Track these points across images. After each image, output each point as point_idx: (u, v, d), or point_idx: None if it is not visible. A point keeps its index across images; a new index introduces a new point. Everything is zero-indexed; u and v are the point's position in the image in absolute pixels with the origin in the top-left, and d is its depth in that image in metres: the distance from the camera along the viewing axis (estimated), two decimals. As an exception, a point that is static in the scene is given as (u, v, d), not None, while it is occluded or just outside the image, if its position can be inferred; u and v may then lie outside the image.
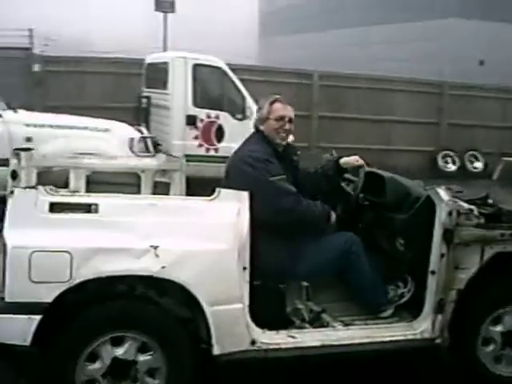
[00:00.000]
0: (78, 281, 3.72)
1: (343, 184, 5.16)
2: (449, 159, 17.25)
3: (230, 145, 11.45)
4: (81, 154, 6.35)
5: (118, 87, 14.15)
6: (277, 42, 33.70)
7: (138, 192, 5.65)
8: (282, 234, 4.45)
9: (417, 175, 15.79)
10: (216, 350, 4.02)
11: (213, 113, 11.82)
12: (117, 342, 3.90)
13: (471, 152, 17.36)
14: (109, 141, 8.92)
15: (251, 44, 35.91)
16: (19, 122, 9.07)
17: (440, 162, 17.12)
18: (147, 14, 19.03)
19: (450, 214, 4.43)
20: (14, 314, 3.69)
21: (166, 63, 12.18)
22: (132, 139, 9.29)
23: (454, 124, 17.36)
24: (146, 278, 3.88)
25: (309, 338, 4.37)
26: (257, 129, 4.74)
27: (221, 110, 11.89)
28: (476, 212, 4.58)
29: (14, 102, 10.23)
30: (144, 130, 10.57)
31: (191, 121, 11.63)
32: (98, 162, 5.95)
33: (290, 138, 4.95)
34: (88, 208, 3.85)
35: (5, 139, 8.55)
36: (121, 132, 9.41)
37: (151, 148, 9.81)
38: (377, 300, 4.76)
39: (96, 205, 3.86)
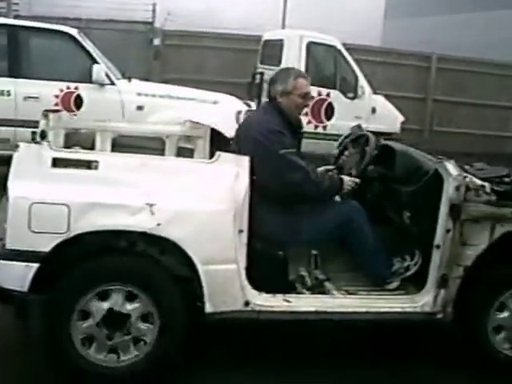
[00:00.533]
0: (74, 233, 3.84)
1: (355, 156, 5.15)
2: None
3: (339, 123, 11.63)
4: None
5: (235, 63, 14.40)
6: (402, 24, 33.11)
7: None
8: (284, 202, 4.50)
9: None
10: (208, 308, 4.09)
11: (324, 91, 11.92)
12: (105, 297, 4.00)
13: None
14: (216, 112, 9.08)
15: (376, 25, 35.46)
16: (132, 91, 9.36)
17: (559, 150, 16.40)
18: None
19: (457, 188, 4.35)
20: (13, 260, 3.84)
21: (281, 40, 12.34)
22: (239, 112, 9.44)
23: None
24: (145, 235, 3.95)
25: (304, 303, 4.41)
26: (273, 99, 4.69)
27: (332, 89, 11.98)
28: (488, 189, 4.47)
29: (134, 73, 10.63)
30: (252, 104, 10.74)
31: (302, 97, 11.70)
32: (123, 125, 6.10)
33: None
34: (89, 164, 3.96)
35: (118, 107, 8.87)
36: (229, 105, 9.57)
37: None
38: (381, 271, 4.76)
39: (96, 162, 3.96)
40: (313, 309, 4.37)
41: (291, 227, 4.52)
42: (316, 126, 11.76)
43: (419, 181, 4.63)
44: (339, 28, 15.71)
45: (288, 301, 4.35)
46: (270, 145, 4.40)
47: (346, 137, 5.49)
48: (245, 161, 4.17)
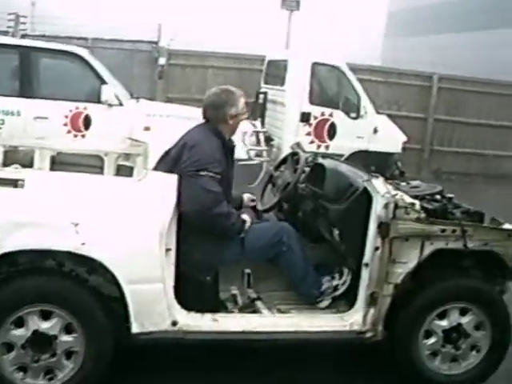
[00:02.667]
0: (0, 252, 3.82)
1: (287, 173, 5.16)
2: None
3: (341, 142, 11.80)
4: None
5: (239, 83, 14.36)
6: (402, 43, 33.38)
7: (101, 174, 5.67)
8: (201, 232, 4.40)
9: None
10: (135, 328, 4.05)
11: (327, 111, 12.09)
12: (45, 316, 3.99)
13: None
14: (222, 133, 9.19)
15: (377, 44, 35.71)
16: (140, 112, 9.52)
17: (558, 169, 16.51)
18: (273, 11, 19.35)
19: (385, 206, 4.33)
20: None
21: (285, 60, 12.49)
22: (245, 132, 9.56)
23: None
24: (71, 254, 3.91)
25: (232, 322, 4.35)
26: (209, 119, 4.61)
27: (335, 108, 12.12)
28: (418, 206, 4.47)
29: (138, 92, 10.79)
30: (258, 124, 10.88)
31: (305, 118, 11.94)
32: (62, 143, 6.05)
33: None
34: (15, 183, 3.91)
35: (125, 127, 8.91)
36: (234, 126, 9.67)
37: (263, 142, 10.12)
38: (311, 291, 4.75)
39: (22, 180, 3.92)
40: (240, 328, 4.33)
41: (221, 246, 4.47)
42: (318, 146, 11.89)
43: (348, 199, 4.62)
44: (340, 47, 15.85)
45: (216, 320, 4.31)
46: (195, 167, 4.28)
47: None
48: (173, 179, 4.15)
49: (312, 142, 11.84)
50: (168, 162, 4.55)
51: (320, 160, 5.27)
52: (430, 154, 16.01)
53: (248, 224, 4.56)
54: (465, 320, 4.68)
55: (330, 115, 12.08)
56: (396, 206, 4.37)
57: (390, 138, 12.52)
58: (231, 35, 25.68)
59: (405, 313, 4.58)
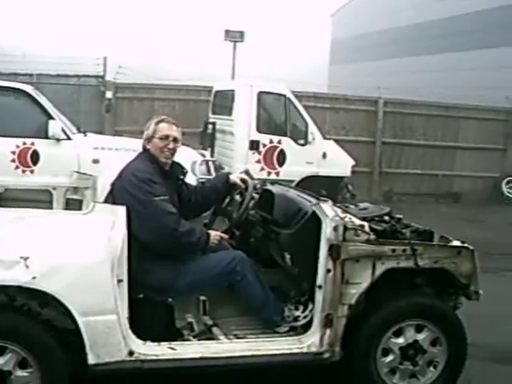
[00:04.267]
0: None
1: (237, 198, 5.20)
2: (513, 185, 17.07)
3: (291, 168, 11.93)
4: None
5: (187, 113, 14.57)
6: (346, 69, 33.90)
7: (50, 208, 5.67)
8: (157, 257, 4.49)
9: (480, 201, 15.97)
10: (91, 360, 4.02)
11: (276, 138, 12.27)
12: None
13: (537, 179, 17.10)
14: (172, 163, 9.22)
15: (322, 71, 36.17)
16: (88, 145, 9.48)
17: (504, 188, 16.91)
18: (217, 42, 19.50)
19: (335, 229, 4.37)
20: None
21: (232, 90, 12.61)
22: (194, 162, 9.61)
23: (520, 150, 17.19)
24: (22, 288, 3.88)
25: (189, 350, 4.34)
26: (144, 148, 4.78)
27: (284, 136, 12.31)
28: (367, 228, 4.52)
29: (86, 126, 10.74)
30: (207, 153, 10.94)
31: (254, 146, 12.08)
32: (9, 179, 6.12)
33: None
34: None
35: (74, 161, 8.93)
36: (183, 155, 9.66)
37: (213, 171, 10.16)
38: (271, 317, 4.79)
39: None
40: (198, 355, 4.31)
41: (174, 276, 4.53)
42: (269, 173, 12.01)
43: (298, 223, 4.66)
44: (286, 76, 16.03)
45: (173, 348, 4.29)
46: (141, 194, 4.42)
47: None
48: (121, 210, 4.17)
49: (262, 169, 11.94)
50: (109, 195, 4.64)
51: (268, 186, 5.31)
52: (380, 176, 16.26)
53: (213, 236, 4.65)
54: (421, 337, 4.72)
55: (279, 142, 12.24)
56: (345, 229, 4.41)
57: (338, 163, 12.70)
58: (177, 66, 25.80)
59: (362, 332, 4.61)
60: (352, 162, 12.89)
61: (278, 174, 12.07)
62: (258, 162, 12.04)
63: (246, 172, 5.38)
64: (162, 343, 4.29)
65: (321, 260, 4.45)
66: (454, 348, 4.80)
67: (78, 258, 3.97)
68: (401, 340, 4.69)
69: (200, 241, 4.59)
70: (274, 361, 4.48)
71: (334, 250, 4.40)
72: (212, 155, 11.81)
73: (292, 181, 11.00)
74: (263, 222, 5.01)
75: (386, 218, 5.03)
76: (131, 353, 4.13)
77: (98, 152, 9.39)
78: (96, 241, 4.04)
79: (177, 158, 4.89)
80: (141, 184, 4.46)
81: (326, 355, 4.54)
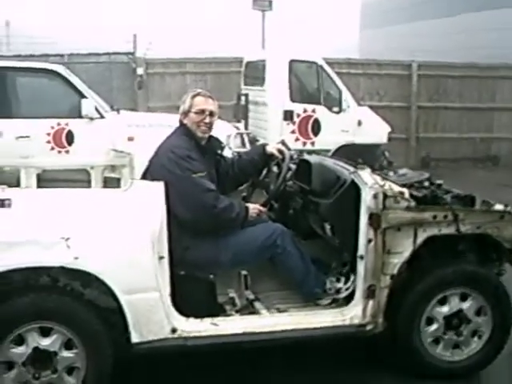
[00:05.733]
0: None
1: (275, 169, 5.14)
2: (556, 146, 16.66)
3: (326, 138, 11.80)
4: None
5: (219, 86, 14.51)
6: (378, 33, 33.47)
7: (89, 187, 5.68)
8: (205, 228, 4.49)
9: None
10: (134, 338, 4.05)
11: (309, 107, 12.10)
12: (45, 333, 3.96)
13: None
14: (207, 138, 9.19)
15: (354, 37, 35.79)
16: (122, 123, 9.50)
17: (545, 149, 16.58)
18: (246, 12, 19.33)
19: (375, 197, 4.32)
20: None
21: (263, 61, 12.50)
22: (229, 135, 9.57)
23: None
24: (64, 269, 3.89)
25: (231, 325, 4.35)
26: (181, 123, 4.72)
27: (317, 104, 12.14)
28: (407, 195, 4.47)
29: (119, 104, 10.75)
30: (241, 126, 10.87)
31: (288, 116, 11.94)
32: (47, 160, 6.12)
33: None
34: (2, 203, 3.99)
35: (109, 140, 8.89)
36: (219, 129, 9.61)
37: (247, 144, 10.11)
38: (312, 290, 4.75)
39: (9, 199, 4.00)
40: (240, 331, 4.32)
41: (215, 252, 4.51)
42: (304, 143, 11.91)
43: (336, 192, 4.61)
44: (318, 43, 15.87)
45: (216, 324, 4.30)
46: (180, 170, 4.40)
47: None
48: (159, 187, 4.15)
49: (297, 140, 11.84)
50: (147, 171, 4.62)
51: (305, 156, 5.23)
52: (416, 141, 16.06)
53: (252, 210, 4.63)
54: (465, 305, 4.66)
55: (313, 111, 12.08)
56: (385, 196, 4.36)
57: (374, 130, 12.52)
58: (206, 39, 25.69)
59: (406, 300, 4.56)
60: (388, 129, 12.71)
61: (313, 143, 11.95)
62: (293, 132, 11.92)
63: (283, 142, 5.29)
64: (205, 319, 4.29)
65: (361, 229, 4.40)
66: (499, 317, 4.74)
67: (118, 237, 3.99)
68: (445, 309, 4.64)
69: (239, 216, 4.55)
70: (317, 334, 4.47)
71: (375, 219, 4.35)
72: (246, 127, 11.74)
73: (328, 150, 10.87)
74: (301, 192, 4.94)
75: (426, 183, 4.94)
76: (174, 330, 4.15)
77: (132, 129, 9.40)
78: (136, 218, 4.05)
79: (211, 132, 4.83)
80: (179, 160, 4.42)
81: (369, 327, 4.51)
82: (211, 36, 29.03)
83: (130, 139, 9.14)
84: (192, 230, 4.43)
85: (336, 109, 12.14)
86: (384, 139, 12.56)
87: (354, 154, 10.25)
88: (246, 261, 4.68)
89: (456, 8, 27.23)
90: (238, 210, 4.55)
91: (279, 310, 4.66)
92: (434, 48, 21.13)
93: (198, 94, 4.73)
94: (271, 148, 5.04)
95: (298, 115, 11.99)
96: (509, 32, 23.30)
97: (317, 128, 12.06)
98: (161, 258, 4.05)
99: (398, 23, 32.25)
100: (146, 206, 4.09)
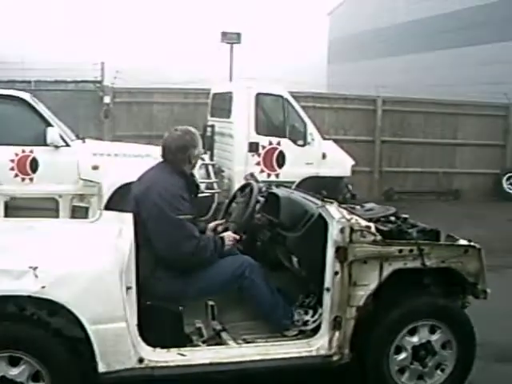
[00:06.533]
0: None
1: (240, 201, 5.23)
2: (514, 181, 17.08)
3: (291, 170, 11.91)
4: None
5: (186, 116, 14.53)
6: (345, 68, 33.87)
7: (57, 216, 5.68)
8: (170, 267, 4.53)
9: (481, 198, 15.97)
10: (101, 368, 4.03)
11: (275, 140, 12.24)
12: (14, 362, 3.96)
13: (537, 174, 17.10)
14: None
15: (321, 71, 36.14)
16: (87, 152, 9.46)
17: (505, 185, 16.91)
18: (215, 45, 19.49)
19: (341, 231, 4.39)
20: None
21: (230, 93, 12.59)
22: (194, 166, 9.60)
23: (520, 146, 17.19)
24: (31, 298, 3.89)
25: (199, 355, 4.36)
26: (170, 160, 4.72)
27: (283, 137, 12.29)
28: (373, 229, 4.54)
29: (85, 132, 10.75)
30: (206, 157, 10.93)
31: (253, 148, 12.04)
32: (15, 188, 6.16)
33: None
34: None
35: (73, 168, 8.90)
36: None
37: (212, 174, 10.16)
38: (280, 321, 4.80)
39: None
40: (208, 361, 4.33)
41: (184, 284, 4.55)
42: (269, 175, 11.99)
43: (304, 226, 4.70)
44: (284, 77, 16.02)
45: (183, 354, 4.32)
46: (170, 210, 4.43)
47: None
48: (128, 218, 4.20)
49: (262, 172, 11.90)
50: (131, 204, 4.62)
51: (274, 189, 5.31)
52: (380, 175, 16.29)
53: (227, 238, 4.71)
54: (434, 338, 4.75)
55: (278, 144, 12.23)
56: (352, 230, 4.43)
57: (338, 163, 12.69)
58: (174, 69, 25.76)
59: (378, 329, 4.64)
60: (352, 162, 12.88)
61: (277, 175, 12.06)
62: (258, 164, 12.02)
63: (251, 175, 5.43)
64: (172, 349, 4.34)
65: (328, 262, 4.47)
66: (464, 352, 4.82)
67: (87, 267, 4.00)
68: (415, 339, 4.71)
69: (214, 254, 4.63)
70: (284, 364, 4.50)
71: (341, 252, 4.42)
72: (211, 158, 11.80)
73: (292, 182, 10.97)
74: (270, 225, 5.02)
75: (392, 218, 5.03)
76: (141, 360, 4.16)
77: (97, 158, 9.38)
78: (104, 249, 4.08)
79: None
80: (172, 199, 4.49)
81: (335, 358, 4.57)
82: (180, 66, 29.18)
83: (95, 168, 9.13)
84: (166, 262, 4.48)
85: (301, 142, 12.32)
86: (347, 172, 12.70)
87: (318, 186, 10.31)
88: (214, 292, 4.74)
89: (422, 45, 27.68)
90: (212, 247, 4.61)
91: (246, 341, 4.69)
92: (400, 84, 21.41)
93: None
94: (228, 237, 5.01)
95: (263, 147, 12.10)
96: (472, 69, 23.74)
97: (281, 160, 12.19)
98: (128, 288, 4.06)
99: (364, 59, 32.66)
100: (115, 237, 4.11)
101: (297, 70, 28.25)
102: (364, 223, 4.56)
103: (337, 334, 4.52)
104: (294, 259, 4.78)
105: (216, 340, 4.67)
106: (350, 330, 4.54)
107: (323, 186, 10.59)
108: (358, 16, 34.35)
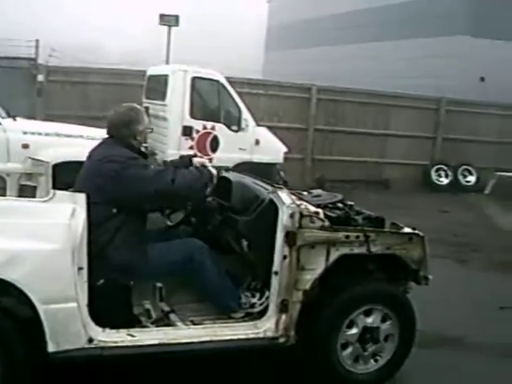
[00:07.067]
0: None
1: None
2: (442, 173, 17.41)
3: (224, 155, 11.94)
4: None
5: (121, 98, 14.35)
6: (282, 56, 34.01)
7: (4, 195, 5.62)
8: (128, 237, 4.51)
9: (410, 188, 16.30)
10: (51, 348, 4.04)
11: (209, 124, 12.27)
12: None
13: (465, 166, 17.51)
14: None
15: (258, 58, 36.21)
16: (17, 130, 9.34)
17: (433, 176, 17.32)
18: (153, 27, 19.36)
19: (291, 216, 4.51)
20: None
21: (165, 75, 12.56)
22: (125, 148, 9.57)
23: (450, 139, 17.56)
24: None
25: (148, 336, 4.41)
26: (116, 136, 4.72)
27: (217, 122, 12.32)
28: (322, 215, 4.67)
29: (17, 110, 10.58)
30: (139, 138, 10.88)
31: (187, 131, 12.06)
32: None
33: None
34: None
35: (3, 146, 8.84)
36: (114, 140, 9.69)
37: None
38: (228, 303, 4.91)
39: None
40: (156, 341, 4.38)
41: (133, 263, 4.54)
42: (202, 159, 11.99)
43: (255, 210, 4.79)
44: (221, 62, 16.06)
45: (132, 335, 4.35)
46: (129, 164, 4.44)
47: None
48: (81, 198, 4.17)
49: (195, 156, 11.88)
50: (80, 183, 4.62)
51: (225, 173, 5.35)
52: (312, 162, 16.43)
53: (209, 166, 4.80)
54: (383, 326, 4.93)
55: (212, 128, 12.27)
56: (301, 216, 4.55)
57: (271, 149, 12.80)
58: (112, 50, 25.52)
59: (324, 315, 4.77)
60: (284, 149, 13.00)
61: (210, 160, 11.98)
62: (191, 148, 12.00)
63: (195, 155, 5.51)
64: (121, 330, 4.34)
65: (277, 246, 4.57)
66: (406, 335, 5.02)
67: (38, 247, 3.98)
68: (369, 320, 4.88)
69: (202, 177, 4.69)
70: (231, 346, 4.60)
71: (291, 237, 4.53)
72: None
73: (226, 167, 11.00)
74: (220, 209, 5.08)
75: (340, 205, 5.19)
76: (91, 340, 4.18)
77: (28, 137, 9.28)
78: (56, 229, 4.05)
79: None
80: (128, 160, 4.48)
81: (282, 340, 4.67)
82: (118, 47, 28.88)
83: (25, 147, 9.00)
84: (125, 232, 4.47)
85: (235, 127, 12.38)
86: (280, 159, 12.83)
87: (250, 172, 10.43)
88: (164, 272, 4.78)
89: (360, 36, 27.95)
90: (196, 173, 4.69)
91: (194, 323, 4.76)
92: (336, 73, 21.65)
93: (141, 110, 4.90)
94: (197, 161, 5.11)
95: (197, 131, 12.12)
96: (407, 62, 24.12)
97: (215, 145, 12.24)
98: (80, 268, 4.07)
99: (301, 47, 32.84)
100: (67, 217, 4.08)
101: (234, 57, 28.29)
102: (313, 209, 4.69)
103: (283, 316, 4.63)
104: (244, 243, 4.84)
105: (164, 321, 4.73)
106: (296, 313, 4.65)
107: (256, 172, 10.75)
108: (296, 4, 34.52)
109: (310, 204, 4.80)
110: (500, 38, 22.17)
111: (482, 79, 22.39)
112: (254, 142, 12.52)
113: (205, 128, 12.21)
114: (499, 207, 15.04)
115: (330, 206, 5.12)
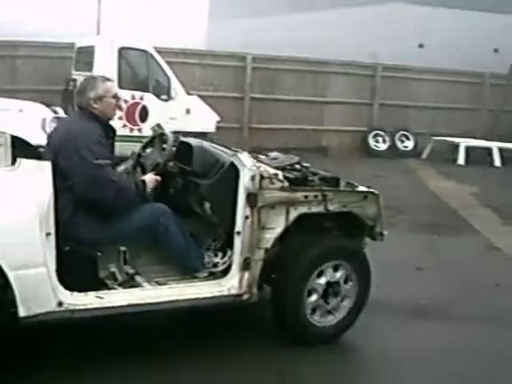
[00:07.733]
0: None
1: (147, 151, 5.43)
2: (380, 139, 17.52)
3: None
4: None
5: (51, 71, 14.20)
6: (225, 25, 33.76)
7: None
8: (95, 207, 4.62)
9: (348, 155, 16.37)
10: (22, 312, 4.11)
11: (138, 94, 12.26)
12: None
13: (402, 132, 17.65)
14: (21, 121, 9.06)
15: (200, 27, 35.94)
16: None
17: (371, 142, 17.44)
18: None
19: (252, 178, 4.68)
20: None
21: (93, 46, 12.46)
22: (44, 119, 9.44)
23: (387, 104, 17.71)
24: None
25: (116, 298, 4.51)
26: (86, 107, 4.77)
27: (146, 91, 12.32)
28: (281, 176, 4.87)
29: None
30: (59, 110, 10.73)
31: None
32: None
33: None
34: None
35: None
36: (34, 112, 9.55)
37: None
38: (192, 264, 5.02)
39: None
40: (125, 303, 4.49)
41: (99, 228, 4.65)
42: (131, 129, 11.98)
43: (217, 173, 4.92)
44: (163, 33, 15.88)
45: (100, 297, 4.45)
46: (89, 155, 4.49)
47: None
48: (47, 166, 4.23)
49: (125, 126, 11.83)
50: (48, 154, 4.69)
51: (185, 139, 5.42)
52: (249, 131, 16.41)
53: (149, 181, 4.90)
54: (338, 275, 5.09)
55: (141, 98, 12.26)
56: (262, 178, 4.73)
57: (203, 118, 12.85)
58: (40, 23, 25.01)
59: (292, 272, 4.94)
60: (217, 118, 13.00)
61: (140, 130, 12.00)
62: (120, 118, 11.83)
63: (158, 126, 5.58)
64: (89, 293, 4.42)
65: (239, 208, 4.74)
66: (362, 284, 5.21)
67: (6, 214, 4.03)
68: (322, 280, 5.02)
69: (136, 197, 4.77)
70: (198, 304, 4.76)
71: (252, 198, 4.70)
72: (66, 112, 11.54)
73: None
74: (182, 173, 5.16)
75: (297, 166, 5.36)
76: (60, 303, 4.23)
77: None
78: (23, 196, 4.11)
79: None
80: (90, 145, 4.53)
81: (246, 296, 4.85)
82: (48, 20, 28.26)
83: None
84: (85, 207, 4.56)
85: (164, 96, 12.40)
86: (212, 128, 12.84)
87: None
88: (129, 238, 4.85)
89: (300, 5, 27.88)
90: (134, 190, 4.77)
91: (159, 283, 4.87)
92: (275, 43, 21.57)
93: (108, 80, 4.93)
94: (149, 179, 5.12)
95: (126, 102, 11.96)
96: (347, 30, 24.16)
97: (144, 115, 12.19)
98: (48, 234, 4.12)
99: (243, 17, 32.64)
100: (34, 185, 4.15)
101: (177, 27, 28.04)
102: (272, 171, 4.86)
103: (246, 274, 4.80)
104: (207, 205, 4.95)
105: (130, 283, 4.80)
106: (258, 271, 4.83)
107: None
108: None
109: (270, 166, 4.96)
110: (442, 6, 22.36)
111: (421, 46, 22.54)
112: (185, 112, 12.53)
113: (133, 98, 12.17)
114: (435, 171, 15.20)
115: (287, 167, 5.26)
